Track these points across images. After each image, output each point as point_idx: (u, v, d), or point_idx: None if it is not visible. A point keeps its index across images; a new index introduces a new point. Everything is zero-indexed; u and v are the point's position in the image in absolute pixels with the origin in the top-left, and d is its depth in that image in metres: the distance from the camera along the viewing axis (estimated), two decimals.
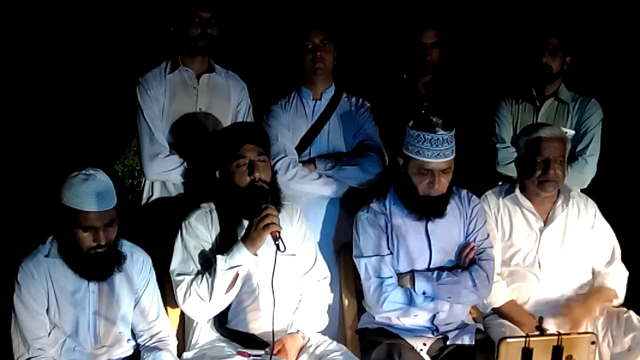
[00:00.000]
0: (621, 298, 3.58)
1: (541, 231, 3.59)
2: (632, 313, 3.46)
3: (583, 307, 3.45)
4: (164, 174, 3.73)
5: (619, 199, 4.60)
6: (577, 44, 4.16)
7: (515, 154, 3.75)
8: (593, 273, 3.64)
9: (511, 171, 3.89)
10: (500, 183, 3.93)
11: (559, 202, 3.60)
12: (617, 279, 3.58)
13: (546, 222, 3.60)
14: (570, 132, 3.99)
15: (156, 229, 3.67)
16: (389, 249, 3.39)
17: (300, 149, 3.91)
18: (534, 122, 4.08)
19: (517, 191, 3.62)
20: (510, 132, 4.13)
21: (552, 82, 4.10)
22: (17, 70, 5.07)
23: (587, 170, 3.99)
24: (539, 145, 3.48)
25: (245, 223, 3.09)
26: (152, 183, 3.83)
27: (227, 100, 3.91)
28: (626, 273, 3.61)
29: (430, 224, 3.41)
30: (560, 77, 4.11)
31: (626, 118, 4.85)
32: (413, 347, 3.29)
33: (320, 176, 3.81)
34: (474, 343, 3.31)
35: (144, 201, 3.88)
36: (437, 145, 3.24)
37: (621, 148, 4.70)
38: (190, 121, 3.81)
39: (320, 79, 3.92)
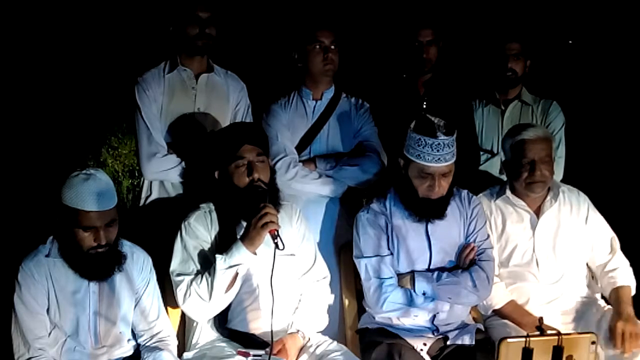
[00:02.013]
0: (634, 289, 3.58)
1: (534, 227, 3.60)
2: None
3: (630, 322, 3.36)
4: (162, 173, 3.73)
5: (615, 198, 4.65)
6: (535, 48, 4.24)
7: (485, 157, 3.95)
8: (592, 267, 3.65)
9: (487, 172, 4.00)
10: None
11: (548, 197, 3.61)
12: (625, 272, 3.58)
13: (538, 217, 3.61)
14: None
15: (155, 229, 3.66)
16: (389, 249, 3.40)
17: (299, 148, 3.90)
18: (500, 125, 4.21)
19: (508, 192, 3.63)
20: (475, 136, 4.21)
21: (516, 86, 4.20)
22: (18, 70, 5.07)
23: (558, 171, 4.01)
24: (523, 147, 3.50)
25: (244, 224, 3.09)
26: (151, 183, 3.82)
27: (226, 100, 3.90)
28: (627, 262, 3.61)
29: (430, 225, 3.41)
30: (522, 80, 4.21)
31: (582, 118, 4.93)
32: (413, 347, 3.29)
33: (320, 176, 3.81)
34: (474, 343, 3.31)
35: (142, 201, 3.88)
36: (438, 150, 3.23)
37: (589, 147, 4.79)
38: (189, 121, 3.80)
39: (326, 80, 3.92)
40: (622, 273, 3.56)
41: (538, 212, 3.62)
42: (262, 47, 5.31)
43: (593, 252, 3.64)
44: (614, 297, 3.51)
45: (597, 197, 3.73)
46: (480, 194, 3.70)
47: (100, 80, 5.37)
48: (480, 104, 4.27)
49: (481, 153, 4.17)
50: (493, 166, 4.16)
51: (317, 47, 3.83)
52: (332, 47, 3.83)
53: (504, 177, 3.81)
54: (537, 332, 2.68)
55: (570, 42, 5.22)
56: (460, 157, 3.39)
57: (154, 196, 3.83)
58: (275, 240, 2.97)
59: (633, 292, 3.56)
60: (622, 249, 3.64)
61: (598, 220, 3.66)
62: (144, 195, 3.88)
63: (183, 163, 3.70)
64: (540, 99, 4.27)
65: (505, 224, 3.63)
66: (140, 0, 5.12)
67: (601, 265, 3.62)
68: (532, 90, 4.31)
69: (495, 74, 4.19)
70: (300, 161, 3.83)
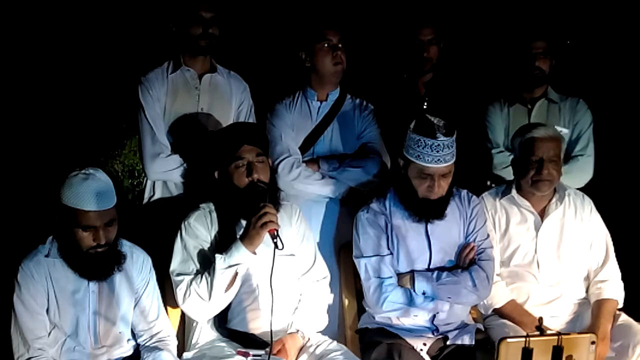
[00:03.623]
0: (621, 303, 3.56)
1: (538, 228, 3.58)
2: (624, 315, 3.50)
3: (602, 341, 3.34)
4: (165, 173, 3.72)
5: (616, 199, 4.63)
6: (560, 46, 4.21)
7: (512, 157, 3.77)
8: (588, 273, 3.63)
9: (508, 174, 3.91)
10: (488, 183, 3.95)
11: (554, 199, 3.59)
12: (614, 285, 3.55)
13: (542, 219, 3.59)
14: (565, 131, 4.04)
15: (157, 229, 3.66)
16: (388, 249, 3.39)
17: (303, 149, 3.89)
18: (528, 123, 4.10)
19: (514, 191, 3.61)
20: (502, 136, 4.15)
21: (543, 84, 4.14)
22: (18, 70, 5.09)
23: (589, 168, 4.02)
24: (532, 145, 3.47)
25: (244, 224, 3.09)
26: (154, 183, 3.82)
27: (229, 101, 3.90)
28: (619, 273, 3.59)
29: (430, 225, 3.40)
30: (548, 79, 4.15)
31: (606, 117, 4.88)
32: (413, 347, 3.29)
33: (323, 176, 3.80)
34: (474, 343, 3.31)
35: (145, 201, 3.88)
36: (437, 151, 3.22)
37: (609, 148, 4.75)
38: (192, 121, 3.80)
39: (334, 81, 3.91)
40: (610, 286, 3.54)
41: (542, 213, 3.61)
42: (265, 47, 5.30)
43: (590, 256, 3.62)
44: (596, 308, 3.50)
45: (594, 195, 3.72)
46: (486, 192, 3.70)
47: (103, 81, 5.38)
48: (505, 104, 4.21)
49: (509, 154, 4.14)
50: None
51: (326, 45, 3.81)
52: (340, 45, 3.82)
53: None
54: (537, 332, 2.66)
55: (568, 42, 5.19)
56: (461, 157, 3.39)
57: (157, 196, 3.83)
58: (275, 240, 2.97)
59: (620, 305, 3.54)
60: (621, 248, 3.62)
61: (598, 226, 3.64)
62: (147, 195, 3.87)
63: (185, 164, 3.70)
64: (567, 97, 4.19)
65: (509, 223, 3.62)
66: (143, 0, 5.13)
67: (592, 272, 3.61)
68: (557, 89, 4.24)
69: (522, 72, 4.12)
70: (303, 162, 3.82)
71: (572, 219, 3.60)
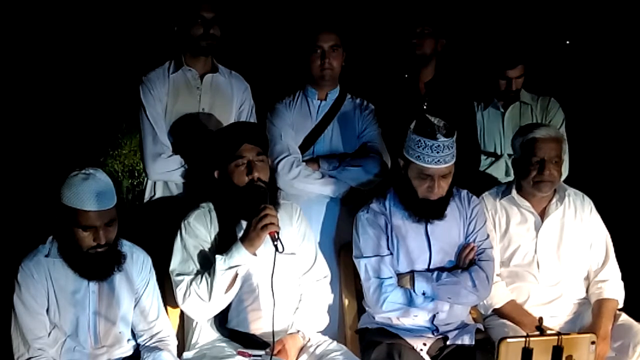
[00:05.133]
0: (621, 302, 3.56)
1: (538, 229, 3.58)
2: (624, 315, 3.51)
3: (603, 341, 3.35)
4: (167, 174, 3.72)
5: (616, 199, 4.64)
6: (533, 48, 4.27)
7: (489, 160, 3.93)
8: (588, 273, 3.63)
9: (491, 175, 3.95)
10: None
11: (554, 200, 3.58)
12: (614, 285, 3.56)
13: (542, 220, 3.59)
14: None
15: (158, 228, 3.65)
16: (388, 249, 3.39)
17: (303, 148, 3.89)
18: (501, 126, 4.24)
19: (514, 192, 3.61)
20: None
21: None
22: (18, 70, 5.09)
23: (563, 169, 3.98)
24: (533, 146, 3.47)
25: (244, 223, 3.09)
26: (155, 183, 3.82)
27: (230, 101, 3.90)
28: (619, 273, 3.59)
29: (430, 225, 3.40)
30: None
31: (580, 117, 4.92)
32: (413, 347, 3.29)
33: (323, 176, 3.79)
34: (474, 343, 3.30)
35: (146, 201, 3.87)
36: (437, 152, 3.21)
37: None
38: (193, 121, 3.80)
39: (326, 84, 3.90)
40: (610, 285, 3.54)
41: (543, 214, 3.61)
42: (265, 47, 5.31)
43: (590, 256, 3.62)
44: (597, 308, 3.51)
45: (594, 195, 3.72)
46: (486, 192, 3.70)
47: (103, 80, 5.39)
48: (479, 106, 4.26)
49: (485, 157, 4.16)
50: (498, 169, 4.14)
51: (317, 51, 3.81)
52: (332, 50, 3.82)
53: (509, 179, 3.79)
54: (537, 332, 2.66)
55: (567, 42, 5.23)
56: (461, 158, 3.38)
57: (157, 196, 3.82)
58: (275, 243, 2.96)
59: (620, 305, 3.55)
60: (621, 248, 3.61)
61: (598, 226, 3.64)
62: (147, 195, 3.87)
63: (186, 164, 3.70)
64: (538, 97, 4.28)
65: (509, 224, 3.62)
66: (145, 0, 5.13)
67: (592, 272, 3.61)
68: (530, 89, 4.30)
69: (495, 88, 4.21)
70: (303, 161, 3.82)
71: (572, 220, 3.60)
